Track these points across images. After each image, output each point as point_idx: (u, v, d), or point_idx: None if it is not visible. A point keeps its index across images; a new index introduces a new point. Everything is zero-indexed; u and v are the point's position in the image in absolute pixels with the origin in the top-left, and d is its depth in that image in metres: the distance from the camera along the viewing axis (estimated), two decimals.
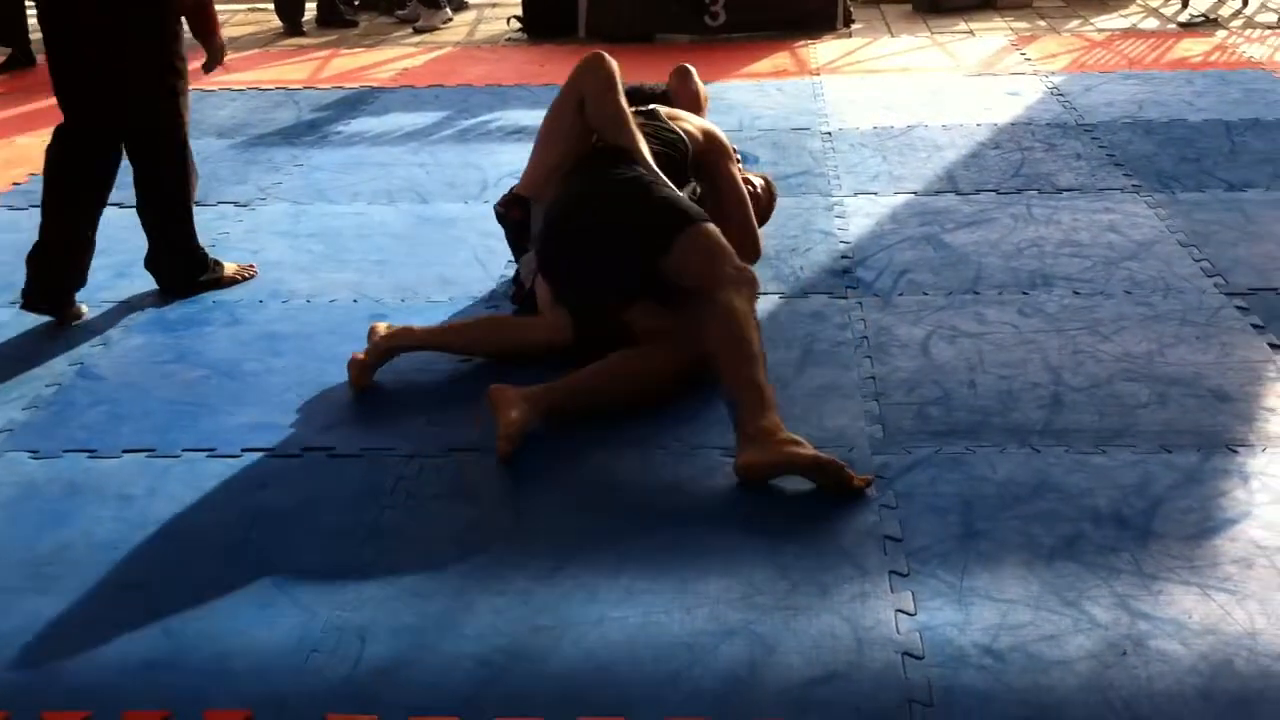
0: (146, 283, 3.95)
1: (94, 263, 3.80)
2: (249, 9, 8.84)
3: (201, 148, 5.38)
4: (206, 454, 2.94)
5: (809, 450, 2.74)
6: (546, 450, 2.92)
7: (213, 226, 4.44)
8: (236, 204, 4.70)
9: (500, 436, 2.88)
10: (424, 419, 3.09)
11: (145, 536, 2.63)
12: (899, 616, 2.31)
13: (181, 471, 2.88)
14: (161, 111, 3.73)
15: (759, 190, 4.08)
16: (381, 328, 3.36)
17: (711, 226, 3.18)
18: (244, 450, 2.96)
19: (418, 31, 7.90)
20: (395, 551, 2.56)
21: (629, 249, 3.20)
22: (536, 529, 2.64)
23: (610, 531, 2.62)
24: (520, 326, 3.45)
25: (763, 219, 4.09)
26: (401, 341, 3.31)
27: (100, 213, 3.81)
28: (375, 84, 6.58)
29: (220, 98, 6.30)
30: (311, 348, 3.49)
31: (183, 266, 3.90)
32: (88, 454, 2.97)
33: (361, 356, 3.27)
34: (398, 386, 3.28)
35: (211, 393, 3.25)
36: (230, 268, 4.00)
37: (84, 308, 3.78)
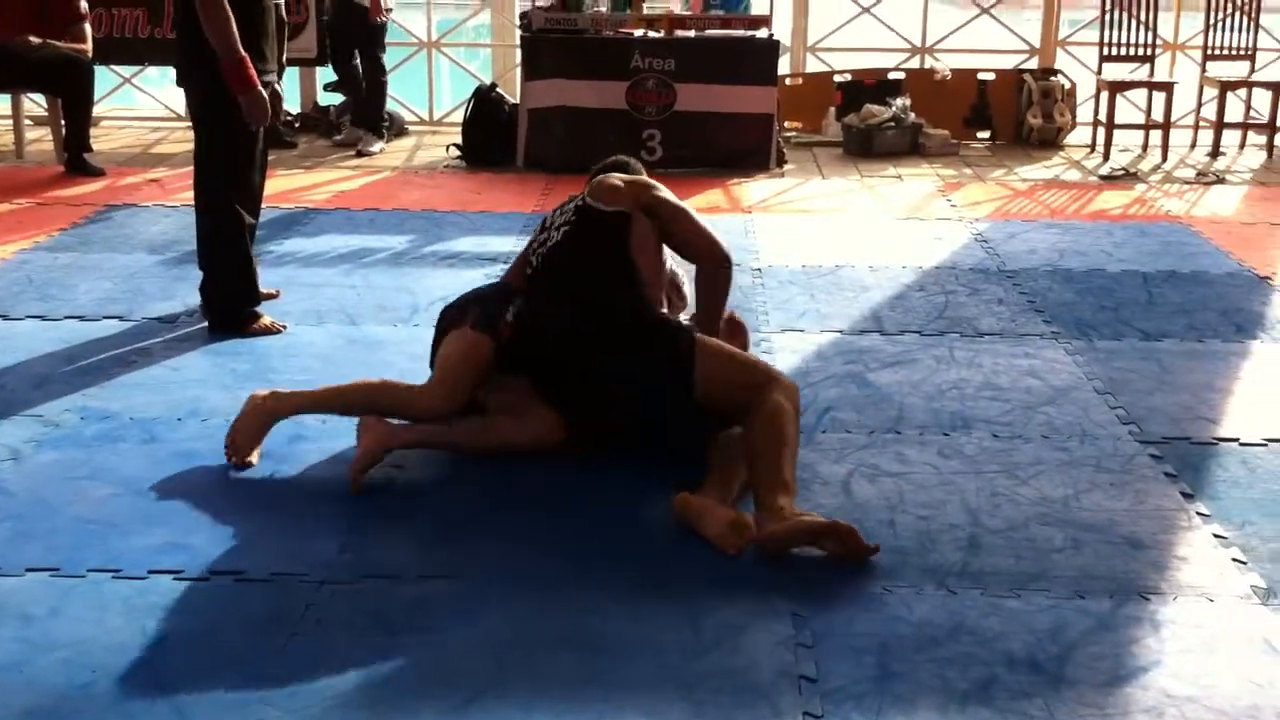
0: (64, 398, 3.89)
1: (11, 375, 3.76)
2: (187, 126, 8.87)
3: (131, 263, 5.38)
4: (112, 575, 2.87)
5: (821, 519, 3.02)
6: (461, 581, 2.88)
7: (136, 341, 4.40)
8: (161, 320, 4.66)
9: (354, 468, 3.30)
10: (338, 543, 3.05)
11: (45, 659, 2.55)
12: None
13: (85, 592, 2.80)
14: (200, 139, 4.47)
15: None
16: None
17: (706, 337, 3.44)
18: (150, 572, 2.89)
19: (359, 155, 7.96)
20: (301, 680, 2.49)
21: (657, 396, 3.40)
22: (448, 660, 2.59)
23: (524, 665, 2.57)
24: (508, 430, 3.51)
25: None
26: (391, 441, 3.40)
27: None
28: (310, 205, 6.61)
29: (153, 213, 6.29)
30: (227, 468, 3.44)
31: (208, 294, 4.56)
32: None
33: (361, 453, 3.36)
34: (313, 507, 3.24)
35: (122, 512, 3.19)
36: (265, 320, 4.53)
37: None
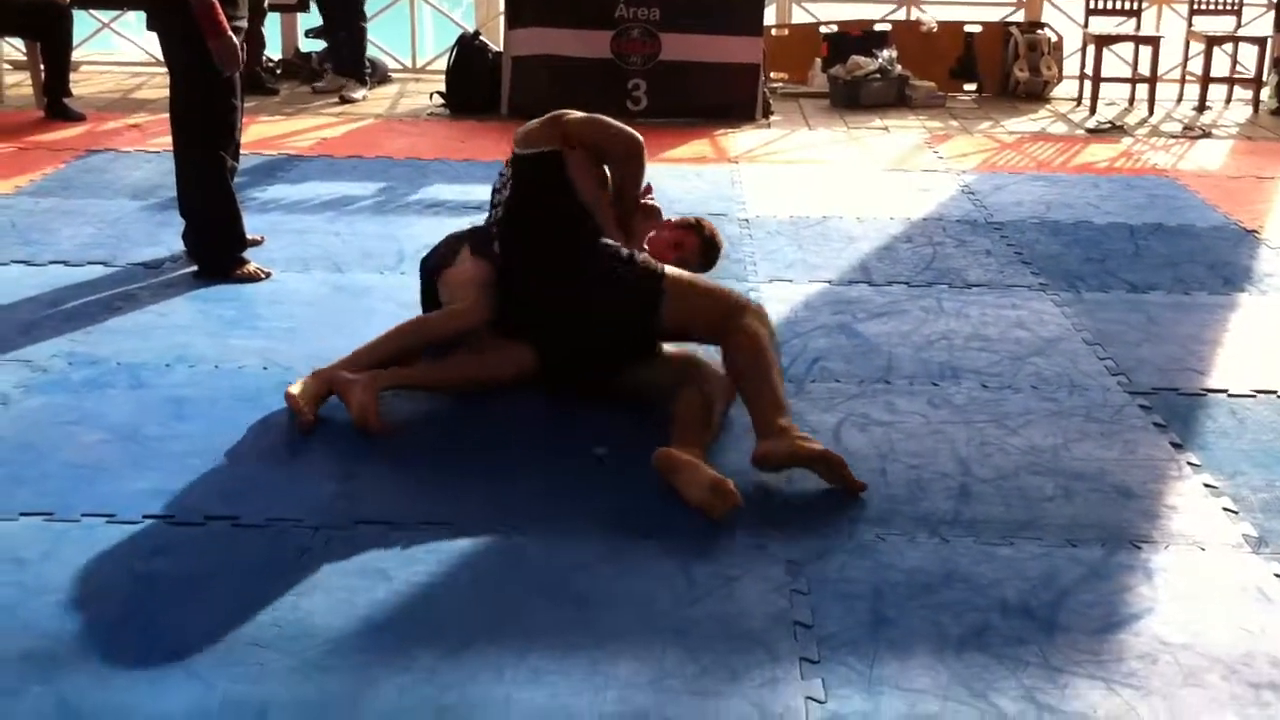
0: (51, 343, 3.86)
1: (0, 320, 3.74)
2: (165, 72, 8.76)
3: (114, 209, 5.33)
4: (105, 519, 2.86)
5: (818, 445, 3.11)
6: (454, 528, 2.88)
7: (121, 287, 4.36)
8: (146, 265, 4.63)
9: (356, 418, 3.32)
10: (333, 489, 3.04)
11: (40, 603, 2.54)
12: (809, 704, 2.30)
13: (79, 536, 2.79)
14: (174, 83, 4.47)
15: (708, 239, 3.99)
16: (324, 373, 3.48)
17: (674, 272, 3.47)
18: (144, 516, 2.88)
19: (343, 101, 7.89)
20: (297, 625, 2.49)
21: (626, 332, 3.51)
22: (444, 605, 2.60)
23: (518, 610, 2.58)
24: (488, 364, 3.58)
25: (710, 264, 3.98)
26: (383, 383, 3.44)
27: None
28: (293, 152, 6.54)
29: (134, 159, 6.22)
30: (217, 414, 3.43)
31: (193, 240, 4.56)
32: None
33: (361, 399, 3.36)
34: (308, 453, 3.23)
35: (113, 456, 3.17)
36: (251, 265, 4.51)
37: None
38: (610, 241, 3.57)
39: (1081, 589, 2.69)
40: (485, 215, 3.94)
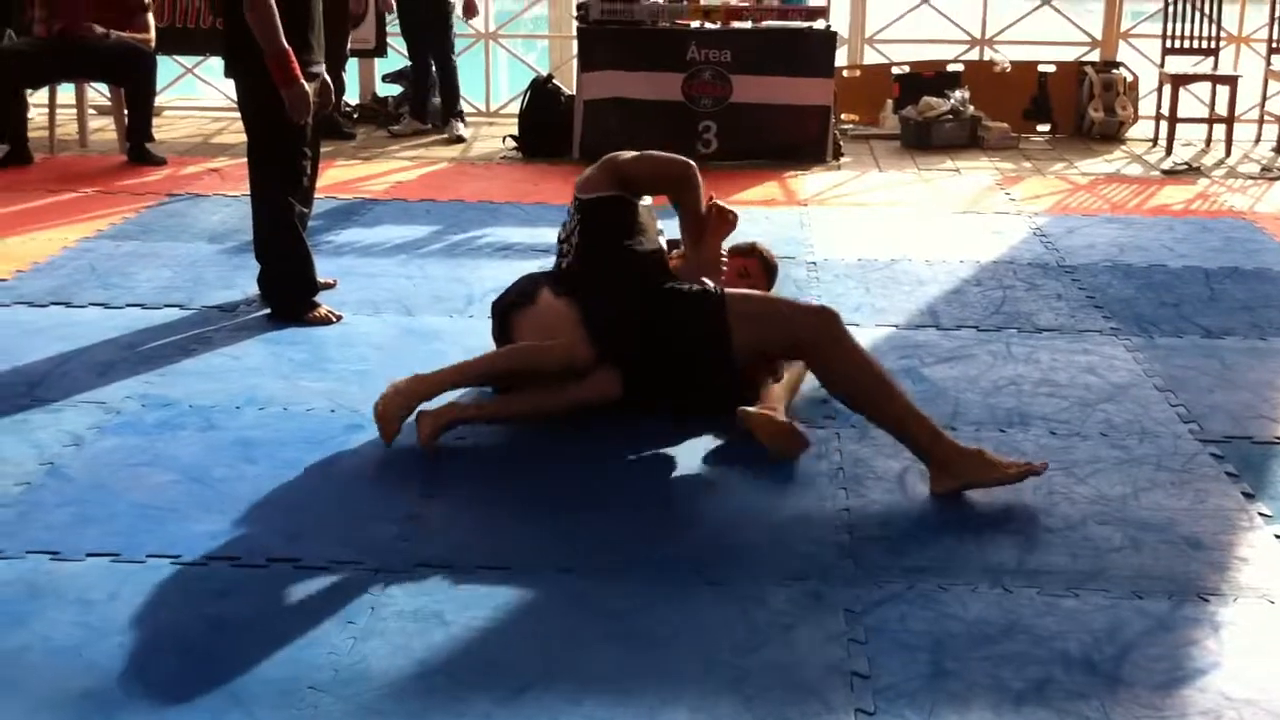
0: (125, 384, 3.95)
1: (74, 363, 3.82)
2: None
3: (191, 252, 5.45)
4: (171, 560, 2.91)
5: (995, 468, 3.26)
6: (513, 572, 2.89)
7: (196, 329, 4.45)
8: (221, 308, 4.72)
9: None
10: (394, 532, 3.07)
11: (104, 643, 2.59)
12: None
13: (144, 577, 2.84)
14: (248, 130, 4.53)
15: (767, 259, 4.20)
16: (428, 418, 3.52)
17: (732, 293, 3.61)
18: (208, 558, 2.92)
19: (455, 141, 8.12)
20: (353, 668, 2.51)
21: (706, 364, 3.60)
22: (500, 649, 2.61)
23: (575, 654, 2.58)
24: (571, 390, 3.62)
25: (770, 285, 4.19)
26: (457, 416, 3.54)
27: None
28: (368, 196, 6.65)
29: (213, 203, 6.35)
30: (285, 456, 3.47)
31: (266, 284, 4.63)
32: (50, 556, 2.92)
33: (429, 418, 3.49)
34: (371, 495, 3.27)
35: (181, 498, 3.23)
36: (323, 309, 4.58)
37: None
38: (678, 283, 3.68)
39: (1146, 642, 2.64)
40: (554, 259, 3.97)
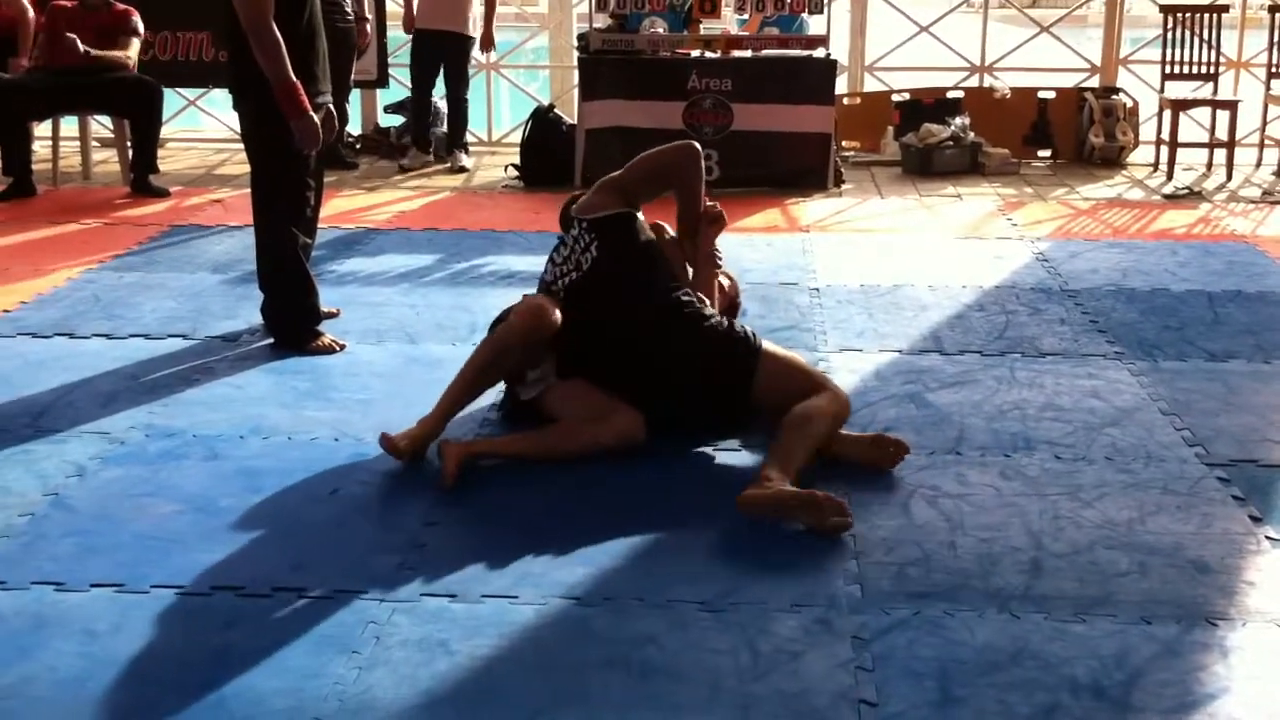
0: (129, 415, 3.95)
1: (78, 393, 3.82)
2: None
3: (195, 282, 5.45)
4: (175, 591, 2.90)
5: (802, 491, 3.22)
6: (516, 602, 2.88)
7: (200, 359, 4.46)
8: (224, 338, 4.72)
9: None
10: (399, 561, 3.06)
11: (109, 674, 2.58)
12: None
13: (149, 608, 2.83)
14: (252, 161, 4.55)
15: (725, 288, 4.35)
16: (400, 439, 3.57)
17: (769, 348, 3.70)
18: (213, 588, 2.92)
19: (457, 171, 8.18)
20: (358, 698, 2.50)
21: (720, 399, 3.71)
22: (506, 679, 2.59)
23: (582, 683, 2.57)
24: (592, 432, 3.64)
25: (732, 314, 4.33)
26: (481, 450, 3.61)
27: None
28: (371, 225, 6.66)
29: (217, 233, 6.37)
30: (289, 485, 3.47)
31: (269, 313, 4.64)
32: (55, 586, 2.92)
33: (452, 449, 3.51)
34: (377, 524, 3.26)
35: (184, 528, 3.22)
36: (326, 338, 4.59)
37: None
38: (709, 311, 3.80)
39: (1155, 668, 2.63)
40: (543, 282, 3.99)
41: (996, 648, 2.71)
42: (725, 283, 4.36)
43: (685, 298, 3.80)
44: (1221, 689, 2.56)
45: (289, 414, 3.99)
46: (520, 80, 9.93)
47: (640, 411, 3.65)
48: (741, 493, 3.26)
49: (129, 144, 7.47)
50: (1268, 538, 3.19)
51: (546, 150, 7.83)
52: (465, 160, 8.30)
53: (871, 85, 9.02)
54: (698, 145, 4.04)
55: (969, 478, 3.55)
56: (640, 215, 3.95)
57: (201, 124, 9.52)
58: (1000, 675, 2.60)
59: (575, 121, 7.82)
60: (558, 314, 3.65)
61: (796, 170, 7.64)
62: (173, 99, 8.73)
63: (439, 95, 8.42)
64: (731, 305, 4.40)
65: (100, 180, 7.79)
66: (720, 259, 4.20)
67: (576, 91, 7.92)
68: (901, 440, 3.62)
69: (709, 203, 4.12)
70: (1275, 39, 8.29)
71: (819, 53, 7.73)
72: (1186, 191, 7.54)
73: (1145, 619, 2.81)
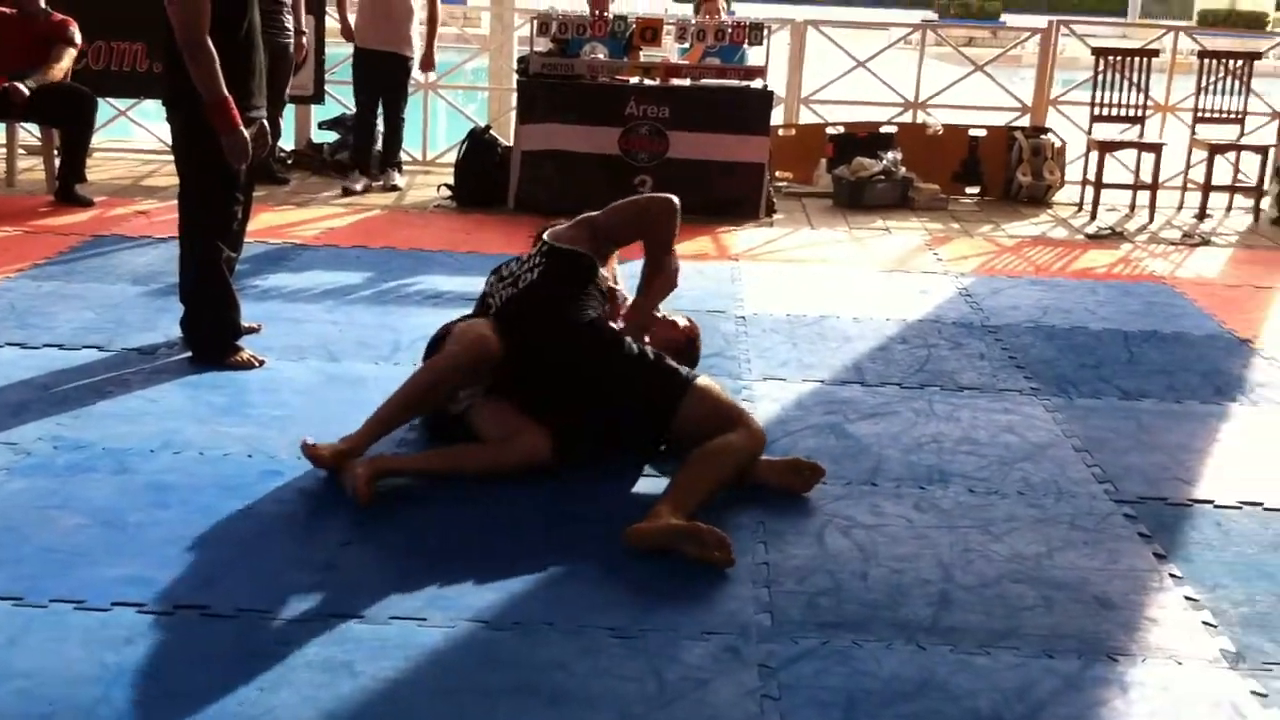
0: (38, 426, 3.88)
1: None
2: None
3: (115, 294, 5.38)
4: (74, 606, 2.85)
5: (686, 523, 3.23)
6: (424, 625, 2.86)
7: (114, 371, 4.40)
8: (141, 351, 4.65)
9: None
10: (307, 581, 3.03)
11: (2, 689, 2.52)
12: None
13: (47, 623, 2.78)
14: (181, 173, 4.50)
15: (683, 329, 4.40)
16: (324, 449, 3.55)
17: (701, 383, 3.71)
18: (114, 604, 2.86)
19: (390, 190, 8.11)
20: (260, 718, 2.47)
21: (641, 419, 3.72)
22: (410, 702, 2.57)
23: (488, 709, 2.56)
24: (496, 450, 3.65)
25: (693, 360, 4.35)
26: (393, 467, 3.58)
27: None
28: (299, 241, 6.61)
29: (140, 245, 6.28)
30: (199, 501, 3.42)
31: (188, 326, 4.59)
32: None
33: (360, 470, 3.46)
34: (287, 543, 3.22)
35: (90, 542, 3.17)
36: (245, 353, 4.53)
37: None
38: (646, 349, 3.83)
39: (1056, 701, 2.66)
40: (482, 295, 4.04)
41: (903, 678, 2.73)
42: (683, 322, 4.44)
43: (619, 333, 3.86)
44: None
45: (203, 429, 3.93)
46: (458, 101, 9.91)
47: (560, 430, 3.66)
48: (630, 527, 3.26)
49: (56, 152, 7.36)
50: (1171, 575, 3.24)
51: (481, 172, 7.81)
52: (399, 179, 8.26)
53: (807, 117, 9.10)
54: (677, 201, 4.08)
55: (883, 509, 3.58)
56: (601, 271, 3.99)
57: (132, 134, 9.41)
58: (905, 706, 2.62)
59: (511, 144, 7.82)
60: (498, 342, 3.66)
61: (730, 199, 7.68)
62: (104, 108, 8.62)
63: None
64: (691, 344, 4.42)
65: (24, 188, 7.66)
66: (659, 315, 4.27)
67: (514, 114, 7.91)
68: (817, 464, 3.65)
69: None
70: (1202, 84, 8.47)
71: (756, 83, 7.79)
72: (1109, 232, 7.67)
73: (1048, 653, 2.84)
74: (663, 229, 4.06)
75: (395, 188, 8.17)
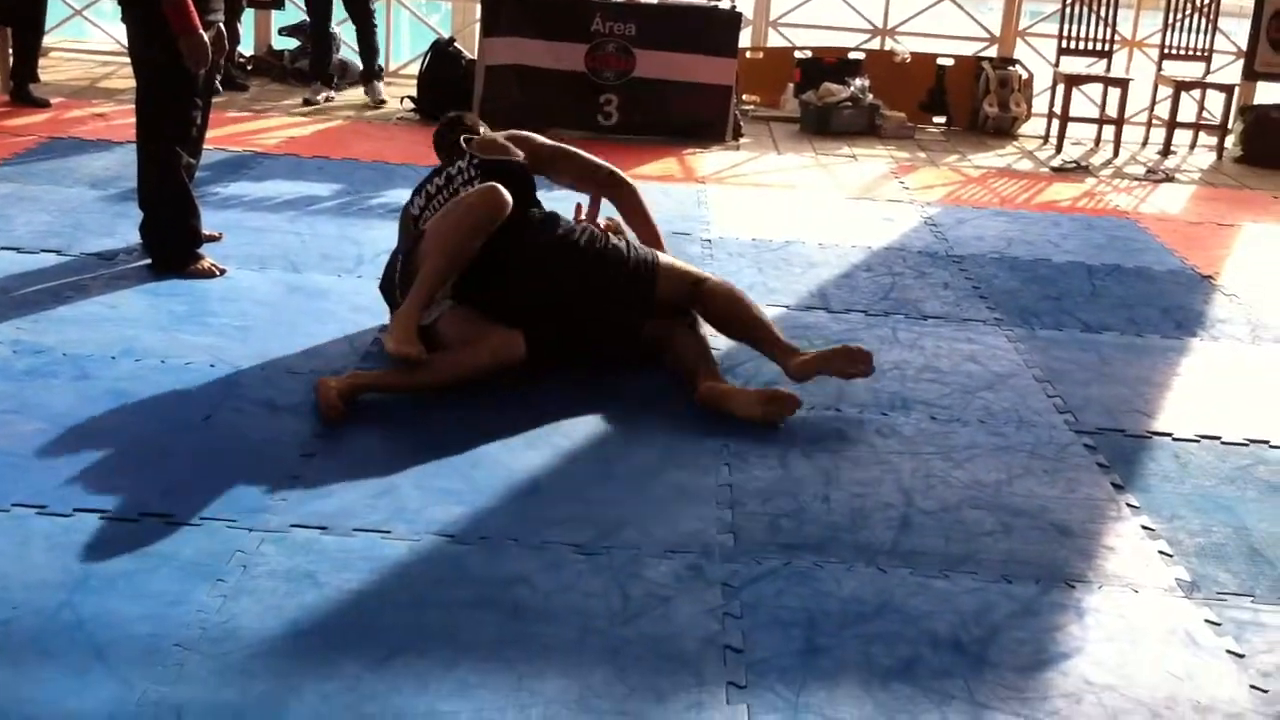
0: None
1: None
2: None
3: (73, 197, 5.29)
4: (36, 510, 2.83)
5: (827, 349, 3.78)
6: (388, 537, 2.86)
7: (73, 276, 4.33)
8: (100, 256, 4.58)
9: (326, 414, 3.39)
10: (272, 492, 3.01)
11: None
12: None
13: (8, 527, 2.76)
14: (139, 77, 4.41)
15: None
16: (332, 382, 3.47)
17: (663, 256, 3.95)
18: (76, 510, 2.84)
19: (374, 102, 7.97)
20: (221, 627, 2.47)
21: (630, 305, 3.84)
22: (373, 614, 2.58)
23: (451, 621, 2.56)
24: (468, 355, 3.63)
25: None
26: (363, 383, 3.53)
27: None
28: (260, 150, 6.51)
29: (97, 148, 6.17)
30: (161, 409, 3.40)
31: (148, 233, 4.52)
32: None
33: (333, 384, 3.45)
34: (252, 454, 3.20)
35: (50, 447, 3.13)
36: (206, 262, 4.48)
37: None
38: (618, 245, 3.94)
39: (1013, 625, 2.70)
40: (407, 213, 4.01)
41: (862, 600, 2.76)
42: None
43: (584, 232, 3.90)
44: (1075, 648, 2.63)
45: (164, 337, 3.89)
46: (421, 11, 9.75)
47: (535, 332, 3.66)
48: (791, 363, 3.72)
49: (9, 52, 7.19)
50: (1128, 505, 3.29)
51: (445, 84, 7.71)
52: (382, 90, 8.11)
53: (775, 40, 9.03)
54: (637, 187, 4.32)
55: (846, 434, 3.60)
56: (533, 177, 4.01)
57: (88, 34, 9.21)
58: (864, 627, 2.65)
59: (475, 57, 7.71)
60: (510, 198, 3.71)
61: (696, 121, 7.62)
62: (58, 7, 8.42)
63: (336, 21, 8.22)
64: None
65: None
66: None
67: (479, 26, 7.80)
68: (794, 395, 3.64)
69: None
70: (1169, 20, 8.46)
71: (724, 4, 7.72)
72: (1074, 165, 7.69)
73: (1006, 578, 2.88)
74: (632, 200, 4.32)
75: (382, 102, 8.03)
